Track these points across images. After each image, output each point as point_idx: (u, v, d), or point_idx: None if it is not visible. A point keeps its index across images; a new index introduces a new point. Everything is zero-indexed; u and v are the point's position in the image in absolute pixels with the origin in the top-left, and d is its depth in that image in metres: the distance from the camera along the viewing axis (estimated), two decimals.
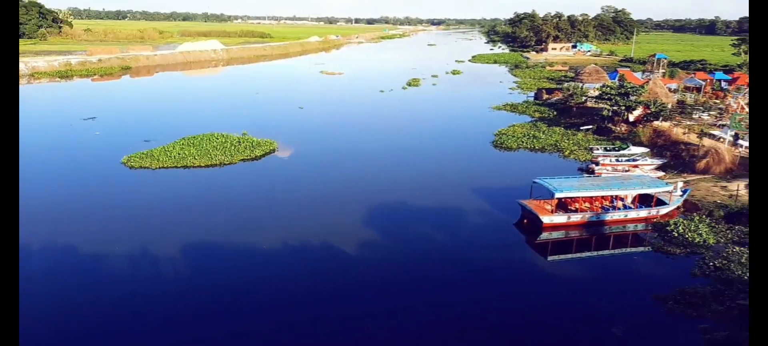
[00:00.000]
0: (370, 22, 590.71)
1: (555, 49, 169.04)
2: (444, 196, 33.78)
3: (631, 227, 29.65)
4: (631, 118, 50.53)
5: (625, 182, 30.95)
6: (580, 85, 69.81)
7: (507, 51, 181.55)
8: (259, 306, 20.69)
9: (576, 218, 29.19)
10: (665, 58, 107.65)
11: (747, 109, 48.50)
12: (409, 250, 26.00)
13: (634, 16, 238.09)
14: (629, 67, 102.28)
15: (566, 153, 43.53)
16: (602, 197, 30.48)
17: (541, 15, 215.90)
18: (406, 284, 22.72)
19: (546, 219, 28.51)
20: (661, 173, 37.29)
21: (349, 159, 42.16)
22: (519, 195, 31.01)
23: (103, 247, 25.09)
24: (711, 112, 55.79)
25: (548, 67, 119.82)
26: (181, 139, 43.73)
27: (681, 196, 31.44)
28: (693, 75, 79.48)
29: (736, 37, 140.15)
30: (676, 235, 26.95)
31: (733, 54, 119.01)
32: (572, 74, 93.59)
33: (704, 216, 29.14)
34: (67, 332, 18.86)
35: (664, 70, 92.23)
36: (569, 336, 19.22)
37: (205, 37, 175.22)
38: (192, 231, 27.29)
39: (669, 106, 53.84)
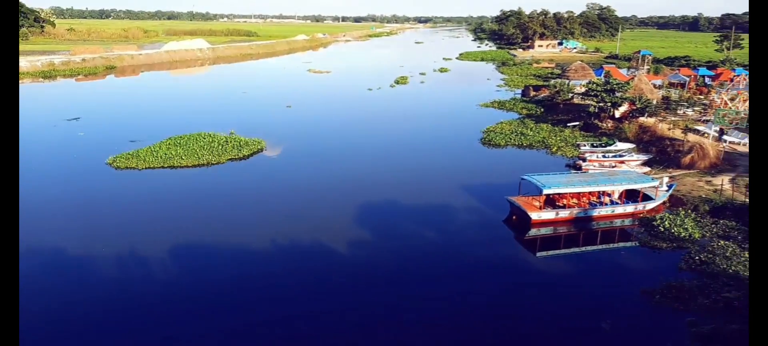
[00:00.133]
0: (357, 20, 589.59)
1: (541, 46, 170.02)
2: (433, 193, 33.83)
3: (618, 222, 29.93)
4: (617, 114, 51.02)
5: (612, 178, 31.23)
6: (567, 82, 70.32)
7: (494, 48, 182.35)
8: (248, 304, 20.54)
9: (564, 214, 29.39)
10: (650, 55, 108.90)
11: (730, 105, 49.19)
12: (399, 247, 25.99)
13: (619, 13, 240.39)
14: (615, 63, 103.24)
15: (554, 150, 43.82)
16: (589, 193, 30.73)
17: (528, 12, 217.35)
18: (395, 280, 22.71)
19: (534, 215, 28.68)
20: (647, 169, 37.70)
21: (337, 157, 42.05)
22: (507, 192, 31.15)
23: (88, 249, 24.75)
24: (695, 108, 56.52)
25: (535, 65, 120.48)
26: (168, 139, 43.29)
27: (667, 191, 31.80)
28: (677, 71, 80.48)
29: (718, 34, 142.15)
30: (663, 229, 27.26)
31: (716, 50, 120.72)
32: (559, 71, 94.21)
33: (690, 211, 29.52)
34: (53, 333, 18.57)
35: (648, 67, 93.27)
36: (558, 331, 19.34)
37: (190, 36, 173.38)
38: (179, 231, 27.03)
39: (654, 102, 54.43)
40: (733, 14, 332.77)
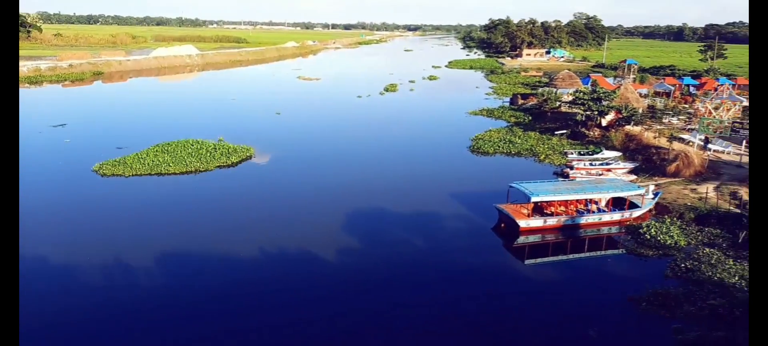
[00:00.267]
0: (347, 27, 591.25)
1: (529, 54, 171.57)
2: (422, 201, 33.90)
3: (605, 229, 30.20)
4: (604, 122, 51.59)
5: (599, 186, 31.54)
6: (555, 90, 70.97)
7: (482, 57, 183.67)
8: (237, 311, 20.38)
9: (552, 221, 29.60)
10: (636, 64, 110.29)
11: (714, 114, 49.95)
12: (388, 254, 25.98)
13: (605, 23, 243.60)
14: (601, 72, 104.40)
15: (541, 157, 44.16)
16: (577, 201, 30.99)
17: (516, 21, 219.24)
18: (385, 287, 22.69)
19: (523, 223, 28.85)
20: (633, 177, 38.13)
21: (327, 165, 42.00)
22: (496, 199, 31.31)
23: (73, 257, 24.44)
24: (680, 117, 57.30)
25: (523, 73, 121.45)
26: (155, 146, 42.97)
27: (653, 199, 32.17)
28: (662, 80, 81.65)
29: (702, 44, 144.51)
30: (649, 237, 27.55)
31: (700, 60, 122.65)
32: (546, 80, 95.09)
33: (675, 218, 29.86)
34: (39, 342, 18.30)
35: (634, 76, 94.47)
36: (546, 339, 19.44)
37: (179, 42, 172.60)
38: (166, 239, 26.80)
39: (640, 110, 55.08)
40: (717, 25, 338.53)
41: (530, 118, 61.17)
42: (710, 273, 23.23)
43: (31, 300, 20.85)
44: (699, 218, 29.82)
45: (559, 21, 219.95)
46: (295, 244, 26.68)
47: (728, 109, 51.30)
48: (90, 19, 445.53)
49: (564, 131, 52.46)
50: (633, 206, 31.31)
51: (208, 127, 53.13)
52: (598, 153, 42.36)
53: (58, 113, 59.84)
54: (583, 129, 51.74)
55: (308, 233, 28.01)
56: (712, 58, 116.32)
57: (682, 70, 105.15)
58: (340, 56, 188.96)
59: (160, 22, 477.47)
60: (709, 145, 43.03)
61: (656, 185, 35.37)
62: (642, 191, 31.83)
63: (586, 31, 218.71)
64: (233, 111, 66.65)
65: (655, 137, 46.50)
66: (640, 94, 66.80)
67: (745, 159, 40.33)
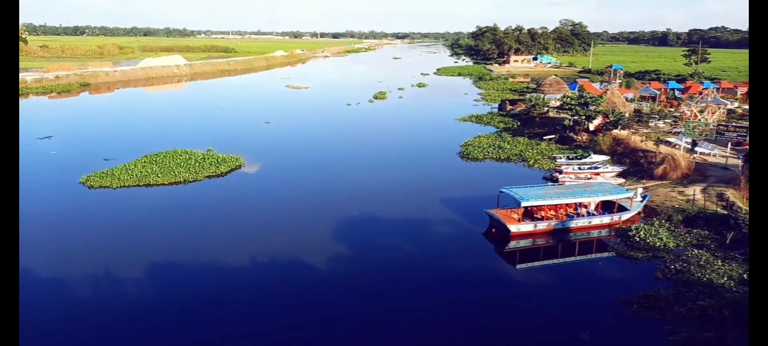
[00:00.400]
0: (335, 36, 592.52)
1: (517, 61, 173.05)
2: (413, 207, 33.90)
3: (595, 233, 30.38)
4: (592, 127, 52.05)
5: (588, 190, 31.76)
6: (542, 96, 71.57)
7: (470, 63, 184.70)
8: (228, 319, 20.18)
9: (542, 225, 29.73)
10: (621, 69, 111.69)
11: (700, 117, 50.62)
12: (380, 261, 25.91)
13: (591, 29, 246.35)
14: (588, 77, 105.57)
15: (531, 162, 44.41)
16: (566, 205, 31.17)
17: (503, 28, 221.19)
18: (377, 293, 22.61)
19: (513, 228, 28.95)
20: (621, 180, 38.44)
21: (317, 173, 41.90)
22: (486, 205, 31.41)
23: (60, 270, 24.08)
24: (666, 121, 58.01)
25: (511, 79, 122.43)
26: (143, 157, 42.62)
27: (641, 202, 32.46)
28: (648, 85, 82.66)
29: (686, 49, 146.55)
30: (638, 240, 27.76)
31: (684, 64, 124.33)
32: (534, 86, 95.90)
33: (664, 221, 30.13)
34: None
35: (620, 81, 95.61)
36: (539, 342, 19.47)
37: (167, 53, 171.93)
38: (156, 250, 26.50)
39: (626, 115, 55.70)
40: (700, 30, 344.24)
41: (519, 123, 61.57)
42: (699, 274, 23.44)
43: (22, 312, 20.49)
44: (687, 220, 30.12)
45: (545, 28, 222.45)
46: (287, 252, 26.53)
47: (713, 113, 52.01)
48: (77, 31, 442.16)
49: (552, 136, 52.84)
50: (622, 209, 31.55)
51: (196, 137, 52.81)
52: (586, 157, 42.70)
53: (44, 125, 59.14)
54: (571, 134, 52.17)
55: (300, 241, 27.88)
56: (696, 63, 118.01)
57: (667, 75, 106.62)
58: (329, 65, 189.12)
59: (147, 32, 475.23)
60: (697, 148, 43.54)
61: (644, 188, 35.69)
62: (631, 194, 32.11)
63: (572, 37, 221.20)
64: (222, 121, 66.36)
65: (642, 141, 46.99)
66: (627, 99, 67.52)
67: (731, 161, 40.87)
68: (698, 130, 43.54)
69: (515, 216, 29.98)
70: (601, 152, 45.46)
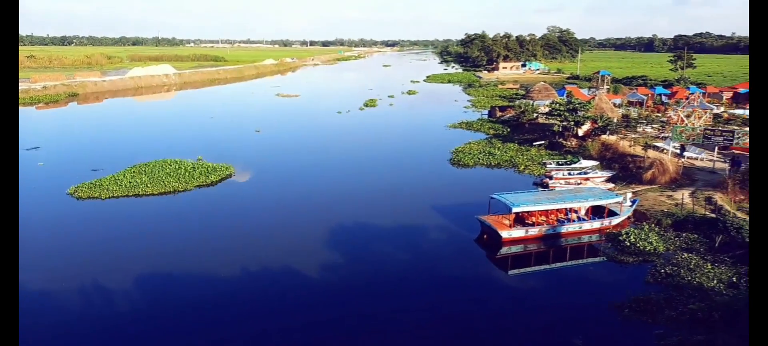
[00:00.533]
0: (325, 44, 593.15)
1: (506, 68, 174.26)
2: (404, 215, 33.89)
3: (585, 238, 30.55)
4: (581, 132, 52.47)
5: (578, 195, 31.96)
6: (531, 102, 72.07)
7: (460, 71, 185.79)
8: (222, 325, 20.00)
9: (533, 231, 29.84)
10: (609, 75, 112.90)
11: (686, 122, 51.20)
12: (372, 268, 25.84)
13: (578, 36, 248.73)
14: (576, 83, 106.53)
15: (521, 168, 44.63)
16: (557, 210, 31.32)
17: (491, 36, 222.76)
18: (369, 299, 22.53)
19: (505, 234, 29.02)
20: (611, 185, 38.75)
21: (308, 181, 41.78)
22: (477, 211, 31.48)
23: (48, 282, 23.74)
24: (653, 125, 58.63)
25: (500, 86, 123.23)
26: (132, 167, 42.28)
27: (631, 206, 32.70)
28: (635, 90, 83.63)
29: (672, 54, 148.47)
30: (628, 244, 27.95)
31: (670, 70, 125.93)
32: (523, 92, 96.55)
33: (653, 225, 30.37)
34: None
35: (608, 86, 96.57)
36: None
37: (156, 62, 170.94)
38: (146, 261, 26.22)
39: (615, 120, 56.21)
40: (685, 35, 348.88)
41: (508, 130, 61.91)
42: (690, 278, 23.63)
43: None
44: (676, 224, 30.38)
45: (533, 35, 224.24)
46: (279, 260, 26.37)
47: (700, 117, 52.67)
48: (64, 41, 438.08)
49: (542, 142, 53.19)
50: (612, 213, 31.77)
51: (186, 146, 52.50)
52: (575, 163, 43.00)
53: (30, 136, 58.45)
54: (560, 139, 52.54)
55: (292, 250, 27.73)
56: (682, 68, 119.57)
57: (653, 80, 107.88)
58: (319, 73, 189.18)
59: (136, 41, 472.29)
60: (686, 153, 44.02)
61: (633, 193, 35.98)
62: (620, 199, 32.35)
63: (560, 44, 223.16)
64: (212, 130, 66.04)
65: (630, 146, 47.43)
66: (614, 104, 68.23)
67: (718, 165, 41.35)
68: (685, 135, 44.04)
69: (506, 222, 30.07)
70: (590, 157, 45.81)
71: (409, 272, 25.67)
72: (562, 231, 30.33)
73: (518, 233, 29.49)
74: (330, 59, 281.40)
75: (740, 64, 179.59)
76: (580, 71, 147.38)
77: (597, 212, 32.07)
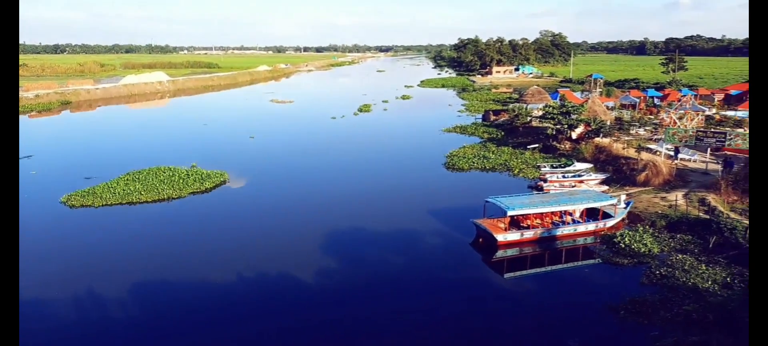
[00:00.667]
0: (319, 50, 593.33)
1: (499, 72, 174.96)
2: (400, 219, 33.89)
3: (580, 240, 30.64)
4: (574, 135, 52.70)
5: (573, 198, 32.07)
6: (525, 105, 72.39)
7: (454, 75, 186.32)
8: (214, 336, 19.89)
9: (529, 234, 29.91)
10: (601, 78, 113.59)
11: (679, 124, 51.53)
12: (368, 272, 25.80)
13: (570, 39, 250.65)
14: (569, 87, 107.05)
15: (515, 172, 44.76)
16: (552, 213, 31.41)
17: (484, 40, 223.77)
18: (365, 303, 22.48)
19: (500, 237, 29.07)
20: (605, 187, 38.92)
21: (302, 187, 41.71)
22: (473, 215, 31.52)
23: (43, 292, 23.53)
24: (646, 128, 58.97)
25: (494, 90, 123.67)
26: (126, 175, 42.09)
27: (625, 208, 32.85)
28: (628, 93, 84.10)
29: (664, 57, 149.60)
30: (623, 246, 28.05)
31: (662, 72, 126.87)
32: (516, 96, 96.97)
33: (647, 226, 30.49)
34: None
35: (601, 89, 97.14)
36: None
37: (149, 69, 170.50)
38: (140, 268, 26.07)
39: (608, 123, 56.52)
40: (676, 38, 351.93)
41: (503, 133, 62.10)
42: (684, 279, 23.73)
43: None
44: (670, 225, 30.53)
45: (526, 39, 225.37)
46: (274, 266, 26.28)
47: (692, 119, 53.02)
48: (57, 49, 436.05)
49: (536, 145, 53.37)
50: (606, 215, 31.89)
51: (180, 153, 52.34)
52: (569, 165, 43.16)
53: (23, 145, 57.97)
54: (554, 142, 52.74)
55: (287, 255, 27.66)
56: (673, 71, 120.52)
57: (646, 83, 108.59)
58: (313, 78, 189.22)
59: (129, 49, 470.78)
60: (680, 155, 44.28)
61: (627, 195, 36.15)
62: (614, 201, 32.49)
63: (553, 48, 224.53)
64: (206, 137, 65.87)
65: (623, 148, 47.67)
66: (607, 107, 68.59)
67: (711, 166, 41.62)
68: (678, 137, 44.31)
69: (502, 225, 30.13)
70: (584, 160, 46.02)
71: (404, 276, 25.65)
72: (557, 234, 30.41)
73: (513, 236, 29.54)
74: (324, 65, 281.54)
75: (731, 66, 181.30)
76: (573, 75, 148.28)
77: (591, 214, 32.19)
